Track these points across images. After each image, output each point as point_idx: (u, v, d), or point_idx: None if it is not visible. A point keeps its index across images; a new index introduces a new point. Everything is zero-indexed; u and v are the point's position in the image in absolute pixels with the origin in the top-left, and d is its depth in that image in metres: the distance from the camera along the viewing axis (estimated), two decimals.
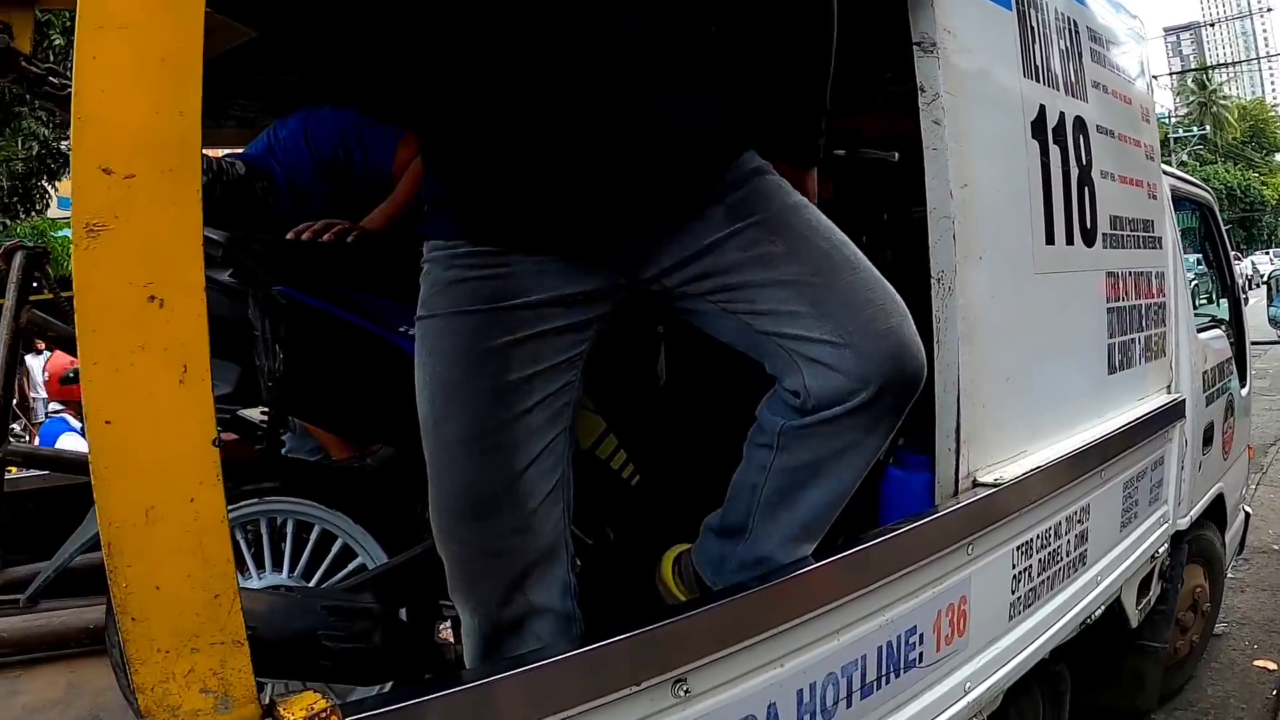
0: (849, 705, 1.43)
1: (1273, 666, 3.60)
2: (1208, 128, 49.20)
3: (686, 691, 1.14)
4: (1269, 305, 13.47)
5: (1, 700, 2.20)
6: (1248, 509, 4.37)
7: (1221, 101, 53.74)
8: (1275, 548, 5.01)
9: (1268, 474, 6.40)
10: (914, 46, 1.70)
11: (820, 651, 1.35)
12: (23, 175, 11.28)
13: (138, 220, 0.83)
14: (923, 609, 1.59)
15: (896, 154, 1.85)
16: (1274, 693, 3.39)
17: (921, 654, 1.60)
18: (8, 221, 11.51)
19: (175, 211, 0.84)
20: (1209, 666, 3.61)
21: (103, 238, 0.81)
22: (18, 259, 2.59)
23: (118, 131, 0.82)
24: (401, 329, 1.53)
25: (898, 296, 1.28)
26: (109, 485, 0.82)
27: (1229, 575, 4.09)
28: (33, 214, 11.92)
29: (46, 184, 11.75)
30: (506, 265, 1.22)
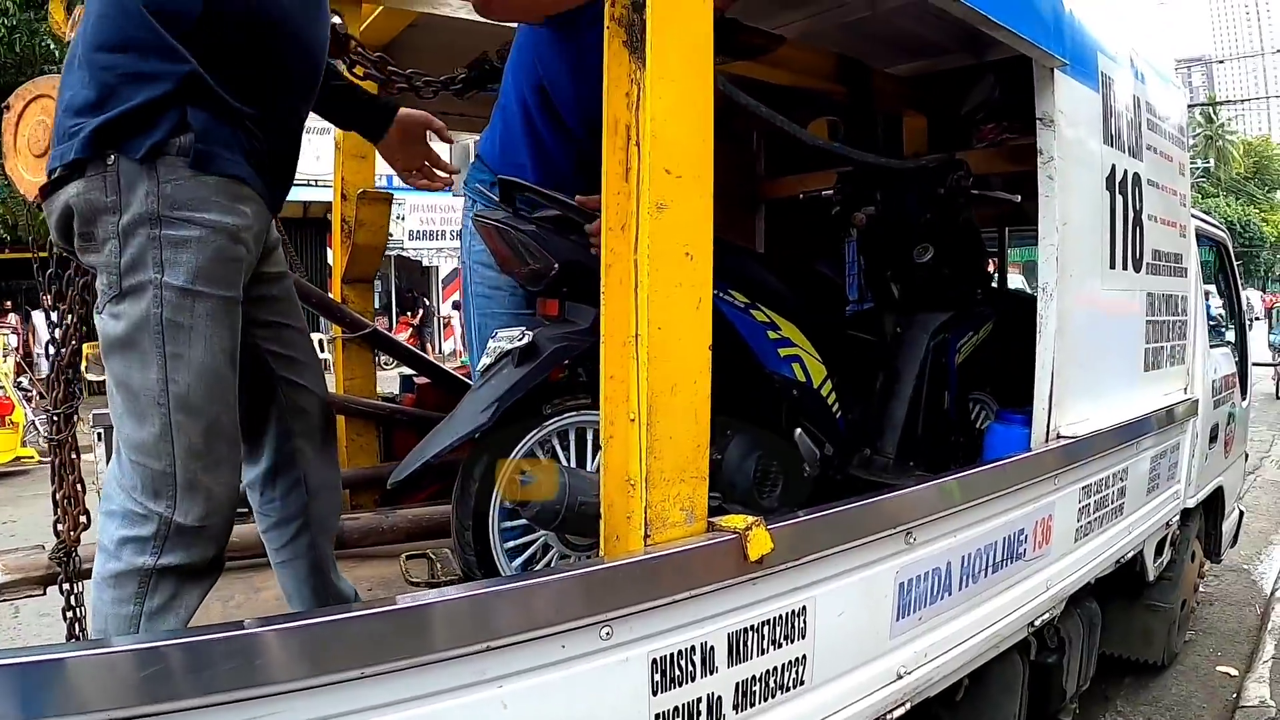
0: (986, 576, 2.14)
1: (1234, 672, 4.00)
2: (1212, 161, 49.96)
3: (912, 540, 1.84)
4: (1269, 332, 14.42)
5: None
6: (1242, 508, 5.07)
7: (1228, 136, 54.55)
8: (1245, 567, 5.54)
9: (1243, 500, 6.93)
10: (1038, 121, 2.39)
11: (976, 532, 2.06)
12: None
13: (682, 204, 1.40)
14: (1026, 518, 2.30)
15: (1019, 196, 2.52)
16: (1233, 695, 3.78)
17: (1025, 550, 2.31)
18: None
19: (700, 200, 1.43)
20: (1176, 668, 4.02)
21: (665, 214, 1.39)
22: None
23: (673, 148, 1.39)
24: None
25: None
26: (655, 368, 1.39)
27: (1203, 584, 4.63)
28: None
29: None
30: None
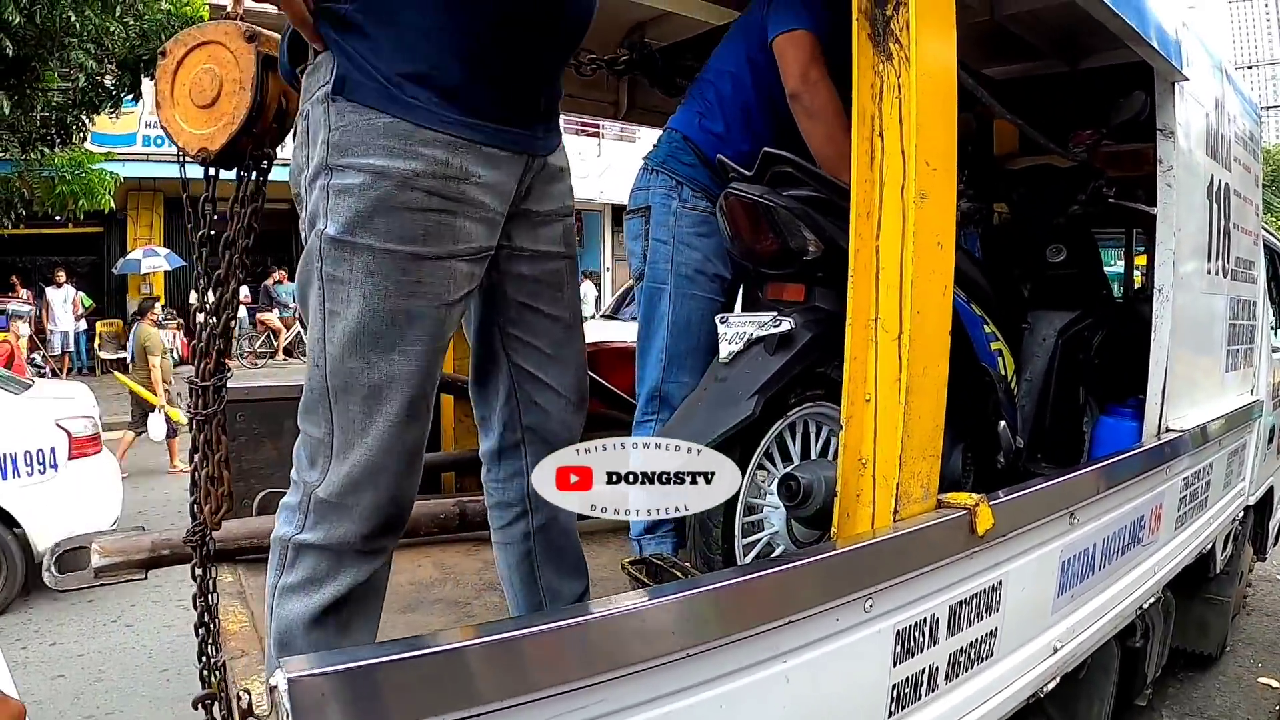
0: (1118, 557, 2.27)
1: (1275, 684, 3.98)
2: None
3: (1075, 521, 1.97)
4: None
5: None
6: None
7: None
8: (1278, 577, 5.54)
9: None
10: (1158, 131, 2.51)
11: (1114, 515, 2.20)
12: (60, 106, 10.51)
13: (937, 195, 1.49)
14: (1146, 504, 2.43)
15: (1155, 209, 2.61)
16: (1276, 708, 3.78)
17: (1143, 535, 2.44)
18: (45, 151, 10.93)
19: (949, 192, 1.52)
20: (1217, 678, 4.06)
21: (925, 204, 1.47)
22: None
23: (932, 141, 1.45)
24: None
25: None
26: (913, 350, 1.46)
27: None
28: (69, 146, 11.15)
29: (86, 118, 10.89)
30: None
